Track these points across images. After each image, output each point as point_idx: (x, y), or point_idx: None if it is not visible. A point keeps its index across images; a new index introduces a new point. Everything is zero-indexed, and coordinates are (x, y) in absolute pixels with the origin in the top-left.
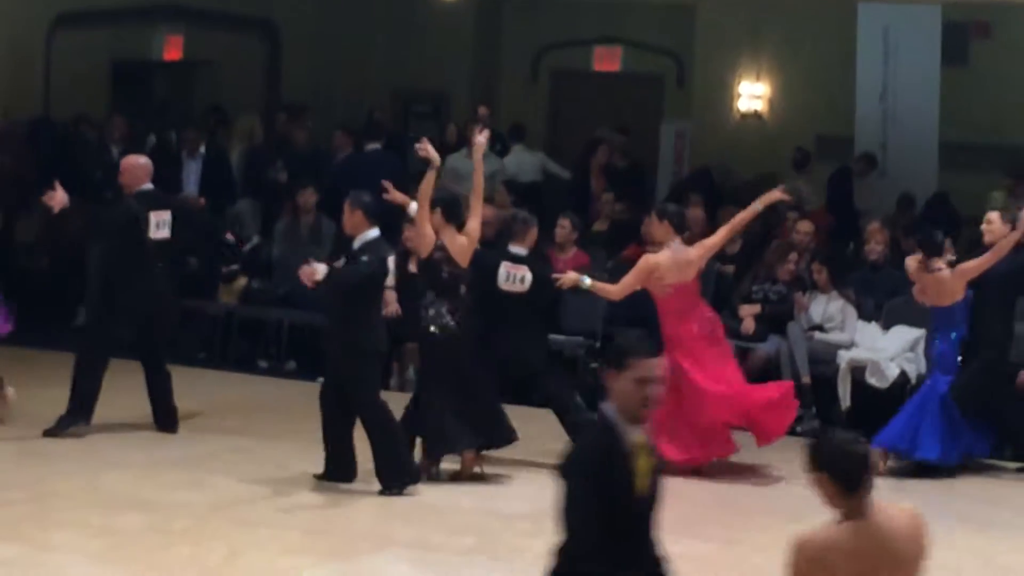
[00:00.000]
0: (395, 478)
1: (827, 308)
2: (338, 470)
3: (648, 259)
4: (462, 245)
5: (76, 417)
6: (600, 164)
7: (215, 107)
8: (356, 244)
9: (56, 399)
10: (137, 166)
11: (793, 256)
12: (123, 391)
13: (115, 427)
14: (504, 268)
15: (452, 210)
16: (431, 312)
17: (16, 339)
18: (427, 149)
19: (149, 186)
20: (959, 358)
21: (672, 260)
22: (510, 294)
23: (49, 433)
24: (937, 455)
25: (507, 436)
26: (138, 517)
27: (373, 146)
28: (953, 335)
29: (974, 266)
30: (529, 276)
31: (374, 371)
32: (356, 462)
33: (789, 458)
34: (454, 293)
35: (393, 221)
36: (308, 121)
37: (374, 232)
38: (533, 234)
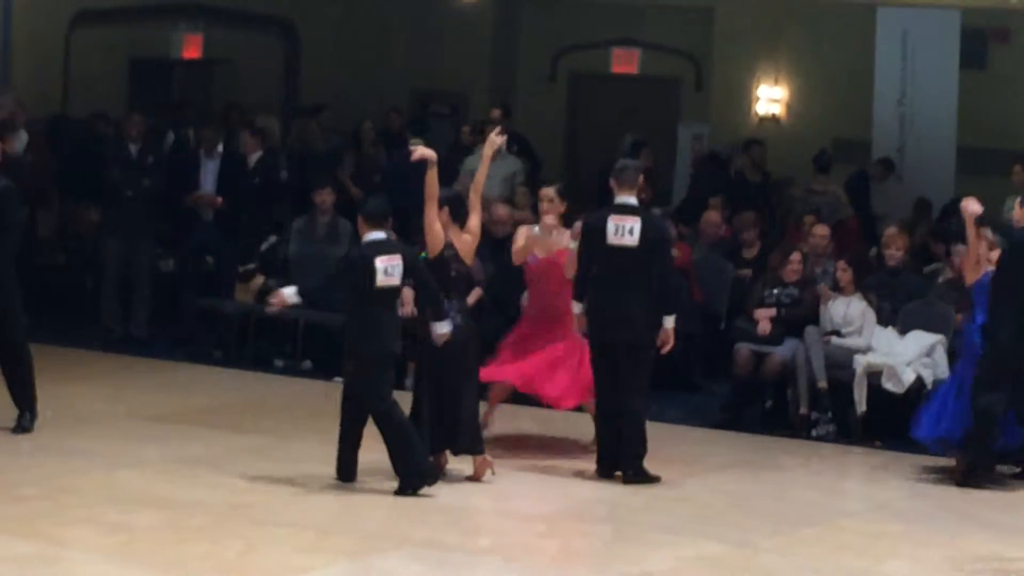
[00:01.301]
0: (410, 479)
1: (848, 310)
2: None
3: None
4: (467, 243)
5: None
6: (649, 168)
7: (232, 105)
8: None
9: (71, 395)
10: None
11: (796, 256)
12: (138, 389)
13: (130, 425)
14: (612, 221)
15: (458, 209)
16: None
17: (33, 335)
18: (421, 150)
19: None
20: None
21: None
22: (621, 248)
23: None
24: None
25: (476, 446)
26: (154, 514)
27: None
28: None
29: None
30: (639, 227)
31: (382, 373)
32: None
33: (801, 460)
34: (462, 291)
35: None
36: (324, 121)
37: (376, 235)
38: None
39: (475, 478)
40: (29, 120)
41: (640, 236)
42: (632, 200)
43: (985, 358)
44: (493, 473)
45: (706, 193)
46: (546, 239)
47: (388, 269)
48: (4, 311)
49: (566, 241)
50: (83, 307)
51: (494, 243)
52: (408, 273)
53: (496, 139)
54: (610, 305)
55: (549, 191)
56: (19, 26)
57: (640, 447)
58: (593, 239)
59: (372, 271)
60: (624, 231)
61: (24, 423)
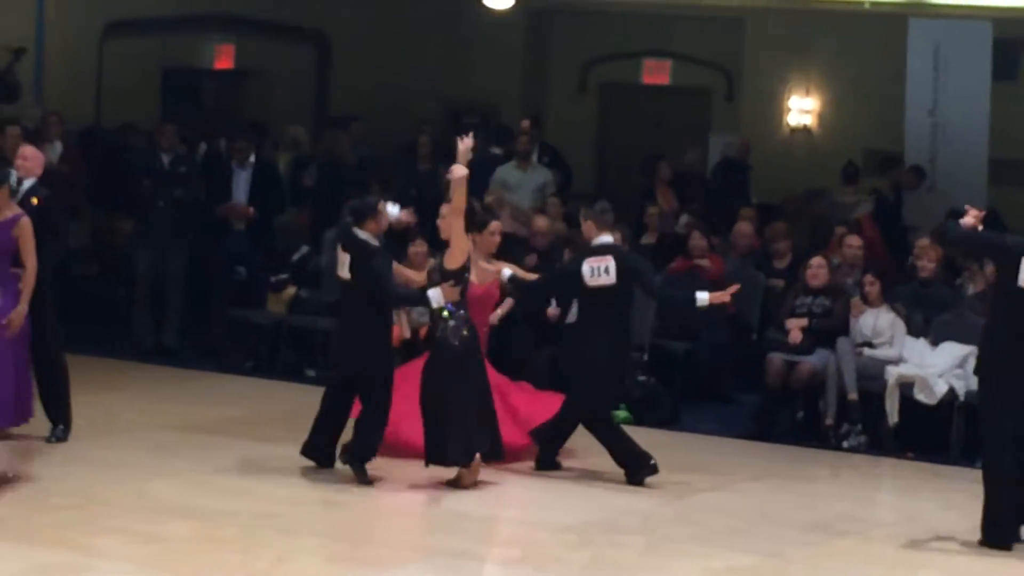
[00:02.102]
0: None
1: (877, 322)
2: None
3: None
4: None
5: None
6: (665, 179)
7: (256, 124)
8: None
9: (103, 405)
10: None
11: (816, 261)
12: (170, 399)
13: (162, 435)
14: (587, 264)
15: (473, 221)
16: (452, 323)
17: (65, 345)
18: (456, 169)
19: None
20: None
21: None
22: (600, 288)
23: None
24: None
25: (459, 458)
26: (185, 525)
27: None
28: None
29: None
30: (613, 264)
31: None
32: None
33: (832, 471)
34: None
35: None
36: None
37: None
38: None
39: (458, 484)
40: (62, 131)
41: (616, 271)
42: (609, 239)
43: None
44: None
45: (721, 201)
46: (483, 269)
47: None
48: (43, 321)
49: (501, 273)
50: (115, 317)
51: (536, 254)
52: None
53: (463, 146)
54: (589, 345)
55: (497, 224)
56: (52, 37)
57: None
58: (569, 284)
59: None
60: (600, 271)
61: (58, 433)
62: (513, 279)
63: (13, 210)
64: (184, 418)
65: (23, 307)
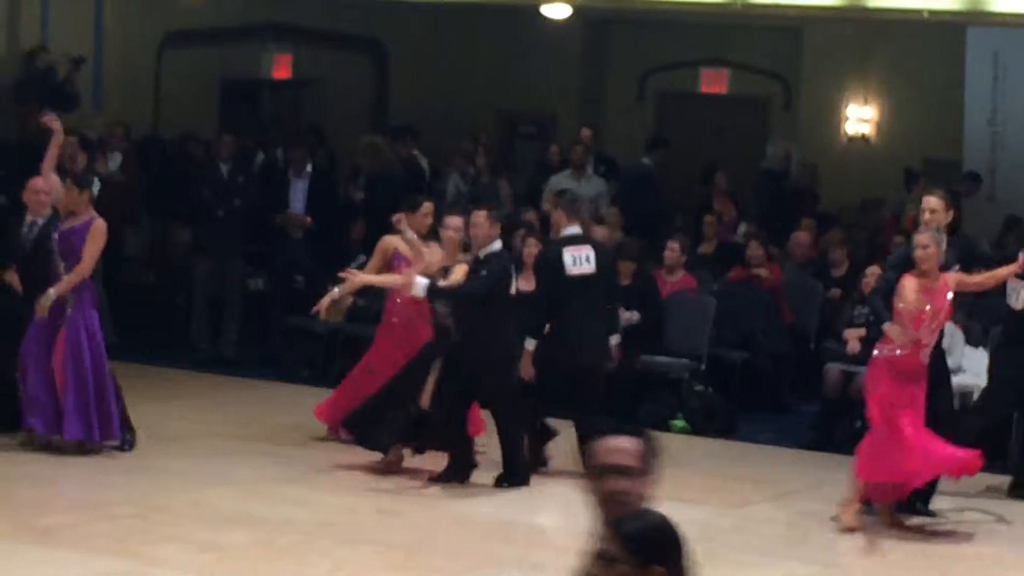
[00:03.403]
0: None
1: None
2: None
3: (384, 239)
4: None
5: None
6: (722, 188)
7: (314, 129)
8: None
9: (161, 414)
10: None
11: (873, 270)
12: (227, 408)
13: (219, 444)
14: (568, 253)
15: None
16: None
17: (122, 354)
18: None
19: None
20: None
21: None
22: (582, 277)
23: None
24: None
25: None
26: (243, 533)
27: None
28: None
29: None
30: (593, 254)
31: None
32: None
33: None
34: None
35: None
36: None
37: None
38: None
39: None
40: (121, 141)
41: (596, 262)
42: (578, 230)
43: None
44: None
45: (762, 209)
46: (417, 247)
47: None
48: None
49: (436, 258)
50: (173, 326)
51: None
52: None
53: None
54: (583, 332)
55: (430, 206)
56: (111, 47)
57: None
58: (551, 274)
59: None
60: (582, 260)
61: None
62: (432, 289)
63: (89, 213)
64: (241, 427)
65: (53, 292)
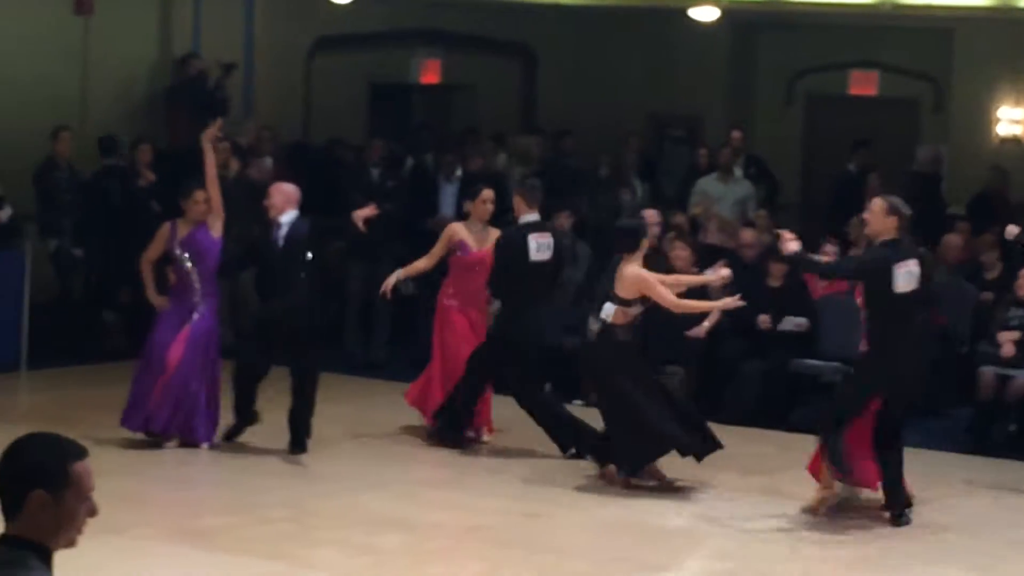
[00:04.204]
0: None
1: None
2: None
3: (450, 226)
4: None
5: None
6: (874, 191)
7: (472, 133)
8: None
9: (315, 418)
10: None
11: None
12: (378, 412)
13: (372, 447)
14: (533, 239)
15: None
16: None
17: (275, 359)
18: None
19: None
20: None
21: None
22: (541, 263)
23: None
24: None
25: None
26: (396, 536)
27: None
28: None
29: None
30: (552, 242)
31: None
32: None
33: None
34: None
35: None
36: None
37: None
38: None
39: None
40: (271, 146)
41: (553, 251)
42: (537, 216)
43: None
44: None
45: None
46: (481, 235)
47: None
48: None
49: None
50: (325, 331)
51: (742, 266)
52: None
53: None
54: (532, 314)
55: (490, 192)
56: (261, 53)
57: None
58: (513, 255)
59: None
60: (543, 247)
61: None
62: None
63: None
64: (392, 430)
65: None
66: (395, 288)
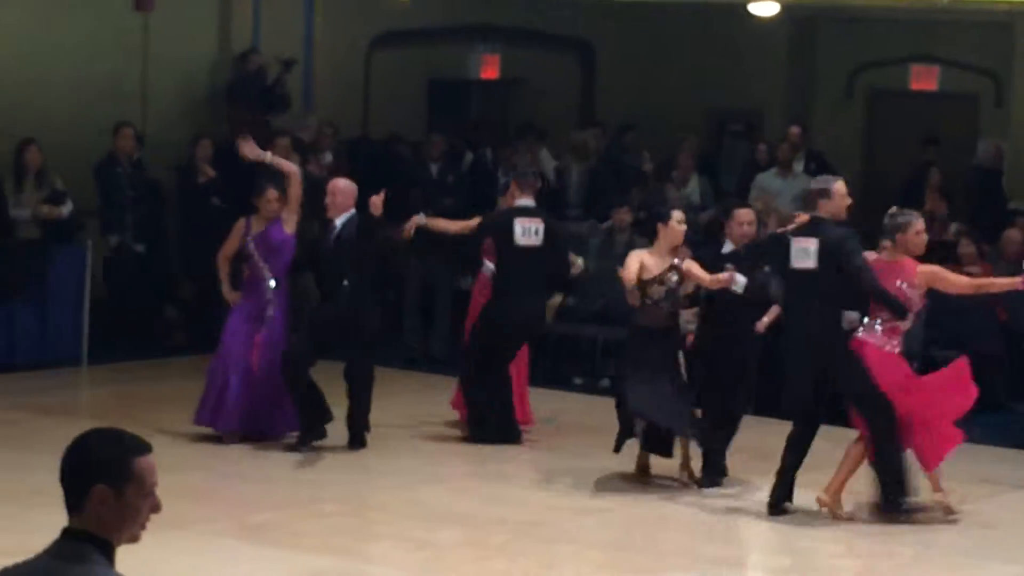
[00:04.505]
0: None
1: None
2: None
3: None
4: None
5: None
6: (935, 185)
7: (529, 124)
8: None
9: (373, 412)
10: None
11: None
12: (437, 406)
13: (430, 442)
14: (519, 224)
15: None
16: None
17: (333, 353)
18: None
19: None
20: None
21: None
22: (528, 248)
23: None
24: None
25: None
26: (454, 531)
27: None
28: None
29: None
30: (542, 228)
31: None
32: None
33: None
34: None
35: None
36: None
37: None
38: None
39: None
40: (331, 141)
41: (544, 236)
42: (532, 203)
43: None
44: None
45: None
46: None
47: None
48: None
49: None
50: (385, 325)
51: None
52: None
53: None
54: (519, 300)
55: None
56: (320, 49)
57: None
58: (498, 238)
59: None
60: (531, 232)
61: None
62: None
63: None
64: (450, 424)
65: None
66: (452, 280)
